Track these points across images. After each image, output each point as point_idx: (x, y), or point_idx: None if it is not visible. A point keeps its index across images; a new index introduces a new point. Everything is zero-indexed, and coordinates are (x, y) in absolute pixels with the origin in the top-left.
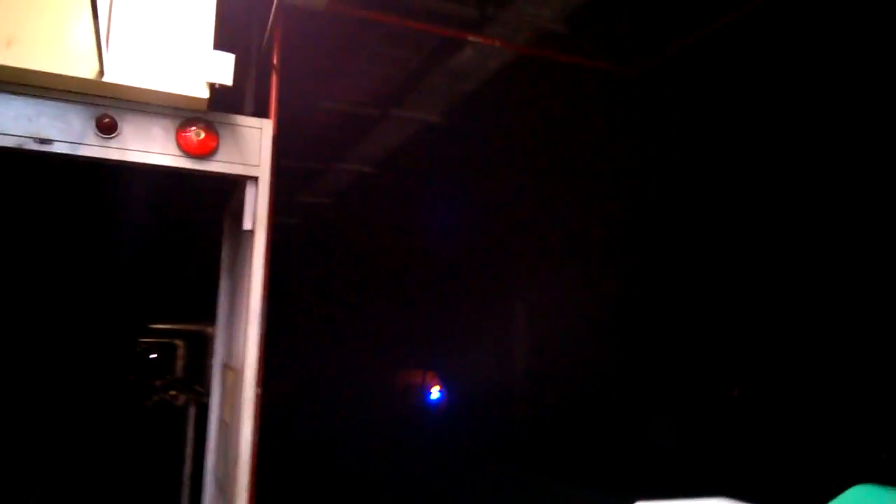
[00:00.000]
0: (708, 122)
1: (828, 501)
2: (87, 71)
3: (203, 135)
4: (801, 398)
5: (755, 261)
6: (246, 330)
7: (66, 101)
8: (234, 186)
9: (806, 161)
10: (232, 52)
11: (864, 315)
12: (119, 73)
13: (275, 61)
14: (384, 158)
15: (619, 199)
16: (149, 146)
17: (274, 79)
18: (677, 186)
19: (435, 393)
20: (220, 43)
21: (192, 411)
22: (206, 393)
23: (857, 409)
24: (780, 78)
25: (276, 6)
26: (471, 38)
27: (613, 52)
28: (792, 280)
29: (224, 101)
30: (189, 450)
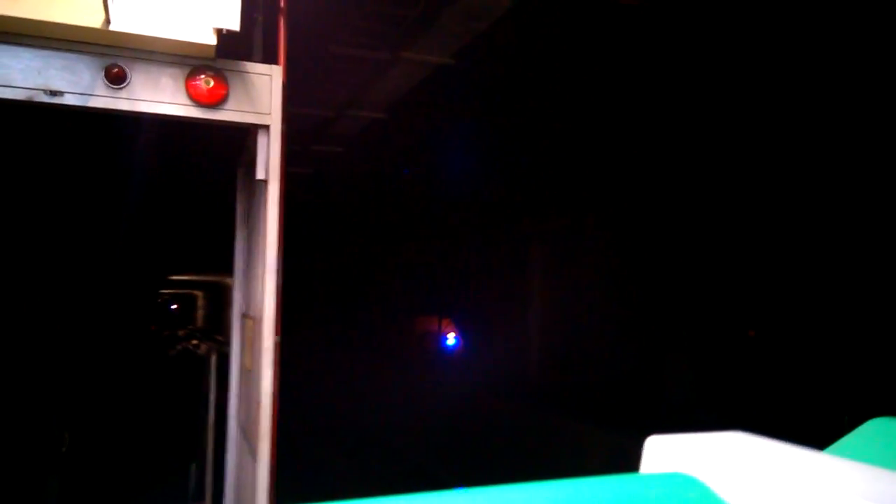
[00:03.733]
0: (714, 52)
1: (845, 435)
2: (93, 20)
3: (212, 83)
4: (815, 339)
5: (772, 201)
6: (263, 280)
7: (74, 51)
8: (245, 136)
9: (811, 97)
10: None
11: (875, 258)
12: (125, 21)
13: (282, 4)
14: (395, 103)
15: (635, 140)
16: (159, 96)
17: (282, 23)
18: (693, 121)
19: (451, 339)
20: None
21: (213, 360)
22: (227, 342)
23: (869, 349)
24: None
25: None
26: None
27: None
28: (805, 222)
29: (232, 49)
30: (212, 396)
